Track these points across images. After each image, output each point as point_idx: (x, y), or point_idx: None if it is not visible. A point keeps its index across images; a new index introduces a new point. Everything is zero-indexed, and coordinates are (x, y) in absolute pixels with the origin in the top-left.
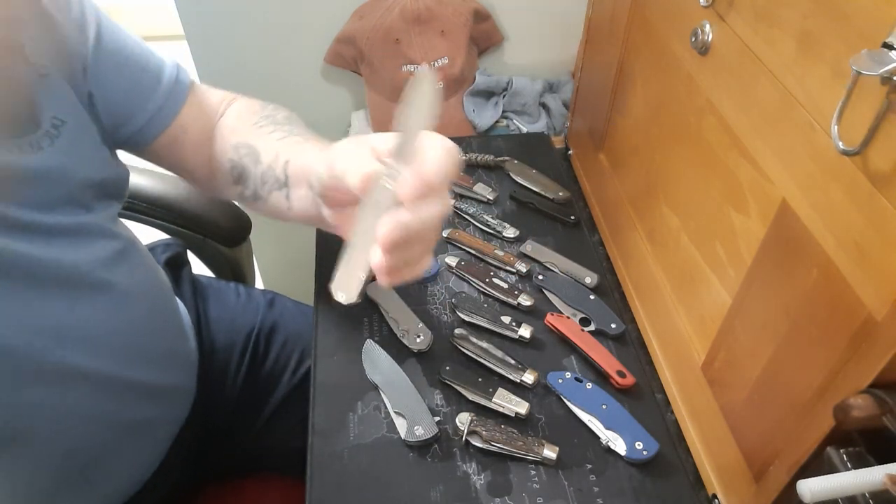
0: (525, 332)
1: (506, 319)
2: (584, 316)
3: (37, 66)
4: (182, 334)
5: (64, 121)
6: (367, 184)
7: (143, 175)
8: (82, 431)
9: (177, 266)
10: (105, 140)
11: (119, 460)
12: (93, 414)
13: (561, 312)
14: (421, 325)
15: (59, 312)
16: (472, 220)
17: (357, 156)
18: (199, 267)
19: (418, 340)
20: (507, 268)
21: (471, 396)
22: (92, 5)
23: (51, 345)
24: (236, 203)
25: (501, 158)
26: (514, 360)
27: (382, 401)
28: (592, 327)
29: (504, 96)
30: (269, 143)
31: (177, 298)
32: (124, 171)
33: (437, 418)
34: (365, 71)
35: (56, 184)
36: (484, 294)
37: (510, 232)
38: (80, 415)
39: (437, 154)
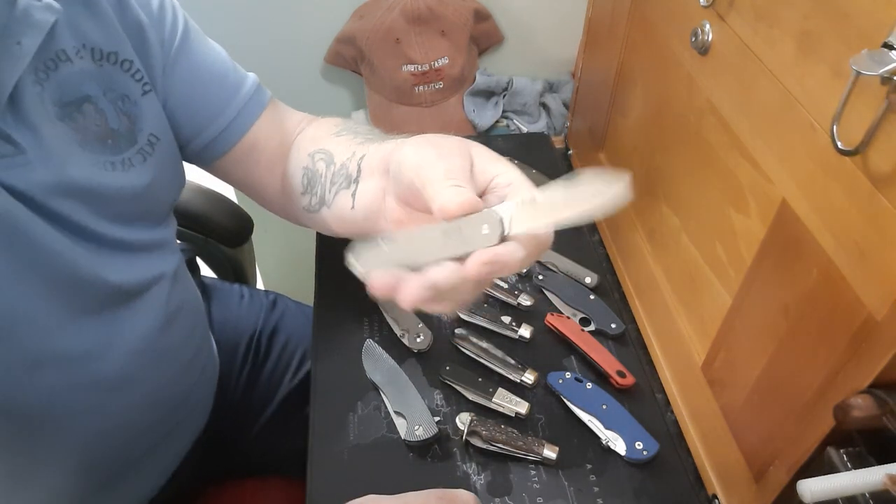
0: (525, 332)
1: (506, 319)
2: (584, 316)
3: (142, 84)
4: (211, 342)
5: (159, 138)
6: (458, 214)
7: None
8: (120, 440)
9: (189, 271)
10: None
11: (147, 467)
12: (134, 423)
13: (561, 312)
14: (421, 325)
15: (124, 324)
16: None
17: (452, 170)
18: (201, 267)
19: (418, 340)
20: None
21: (471, 396)
22: (181, 10)
23: (111, 354)
24: (305, 222)
25: None
26: (514, 360)
27: (382, 401)
28: (592, 327)
29: (504, 96)
30: (345, 146)
31: None
32: (185, 181)
33: (437, 418)
34: (365, 71)
35: (139, 200)
36: (484, 294)
37: None
38: (123, 423)
39: (540, 242)
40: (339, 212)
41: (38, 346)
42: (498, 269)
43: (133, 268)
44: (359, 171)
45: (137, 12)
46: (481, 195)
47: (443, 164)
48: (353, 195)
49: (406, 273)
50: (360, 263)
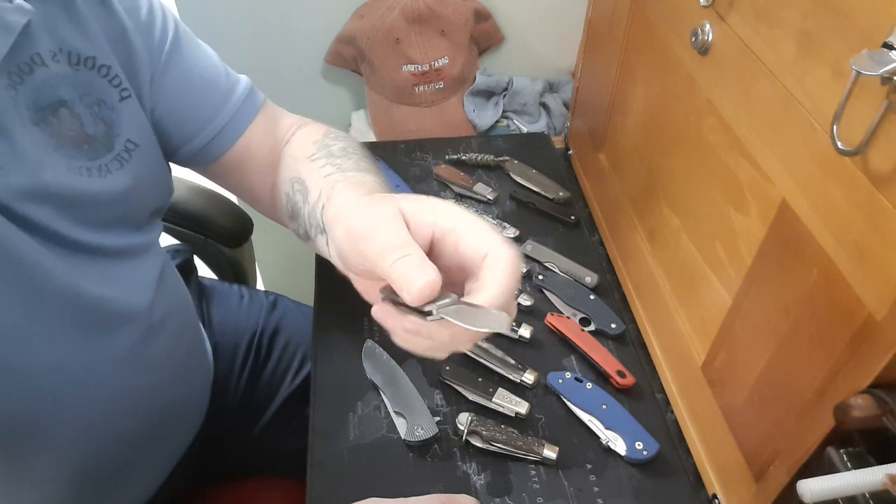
0: (525, 332)
1: None
2: (584, 316)
3: (119, 89)
4: (204, 346)
5: (137, 144)
6: (425, 298)
7: None
8: (110, 449)
9: (185, 273)
10: (166, 159)
11: (139, 473)
12: (123, 432)
13: (561, 312)
14: None
15: (106, 333)
16: None
17: (399, 245)
18: (201, 268)
19: None
20: None
21: (471, 396)
22: (171, 15)
23: (94, 364)
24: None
25: (501, 158)
26: (514, 360)
27: (382, 401)
28: (592, 327)
29: (504, 96)
30: (317, 181)
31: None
32: (172, 189)
33: (437, 418)
34: (365, 71)
35: (116, 206)
36: None
37: (510, 232)
38: (111, 432)
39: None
40: (322, 251)
41: (20, 355)
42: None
43: (111, 274)
44: (323, 223)
45: (122, 18)
46: (430, 248)
47: (379, 238)
48: (328, 245)
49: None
50: None
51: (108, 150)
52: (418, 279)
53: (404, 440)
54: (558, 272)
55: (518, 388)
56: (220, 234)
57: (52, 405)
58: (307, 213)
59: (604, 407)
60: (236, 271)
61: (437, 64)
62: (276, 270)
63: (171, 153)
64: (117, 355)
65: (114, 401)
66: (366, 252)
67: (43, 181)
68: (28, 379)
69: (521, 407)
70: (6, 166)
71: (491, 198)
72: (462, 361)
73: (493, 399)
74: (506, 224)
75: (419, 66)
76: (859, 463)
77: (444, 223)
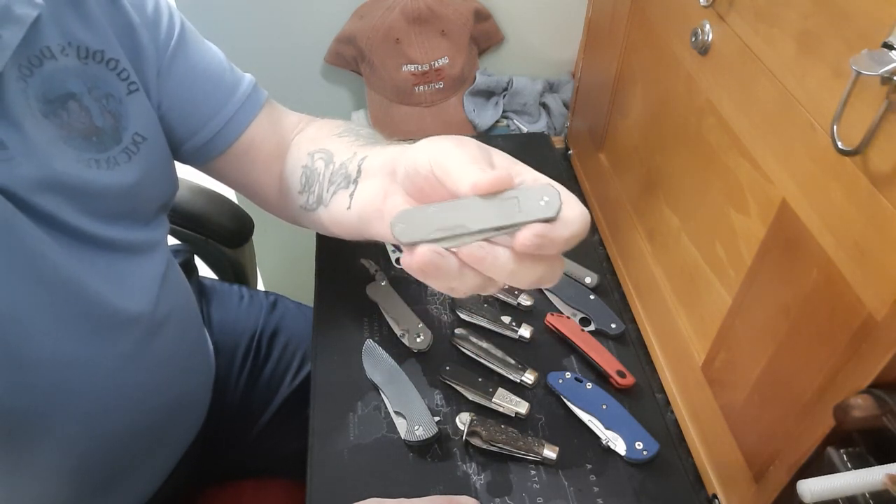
0: (525, 332)
1: (506, 319)
2: (584, 316)
3: (127, 83)
4: (207, 345)
5: (145, 137)
6: (491, 189)
7: None
8: (111, 445)
9: (185, 273)
10: (172, 154)
11: (140, 470)
12: (125, 428)
13: (561, 312)
14: (421, 325)
15: (111, 329)
16: None
17: (475, 156)
18: (201, 268)
19: (418, 340)
20: None
21: (471, 396)
22: (177, 13)
23: (98, 359)
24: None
25: None
26: (514, 360)
27: (382, 401)
28: (592, 327)
29: (504, 96)
30: (346, 147)
31: None
32: (177, 184)
33: (437, 418)
34: (365, 70)
35: (124, 199)
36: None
37: None
38: (113, 428)
39: (577, 218)
40: (335, 212)
41: (24, 348)
42: (547, 244)
43: (116, 270)
44: (359, 171)
45: (129, 13)
46: None
47: (464, 151)
48: (351, 195)
49: (449, 255)
50: (405, 235)
51: (116, 143)
52: (490, 172)
53: (404, 440)
54: None
55: (518, 388)
56: (221, 235)
57: (55, 399)
58: (330, 173)
59: (604, 407)
60: (237, 271)
61: (437, 64)
62: (276, 271)
63: (176, 148)
64: (121, 351)
65: (117, 396)
66: (446, 162)
67: (53, 172)
68: (32, 372)
69: (521, 407)
70: (17, 157)
71: None
72: (462, 361)
73: (493, 399)
74: None
75: (419, 66)
76: (859, 463)
77: (527, 179)
